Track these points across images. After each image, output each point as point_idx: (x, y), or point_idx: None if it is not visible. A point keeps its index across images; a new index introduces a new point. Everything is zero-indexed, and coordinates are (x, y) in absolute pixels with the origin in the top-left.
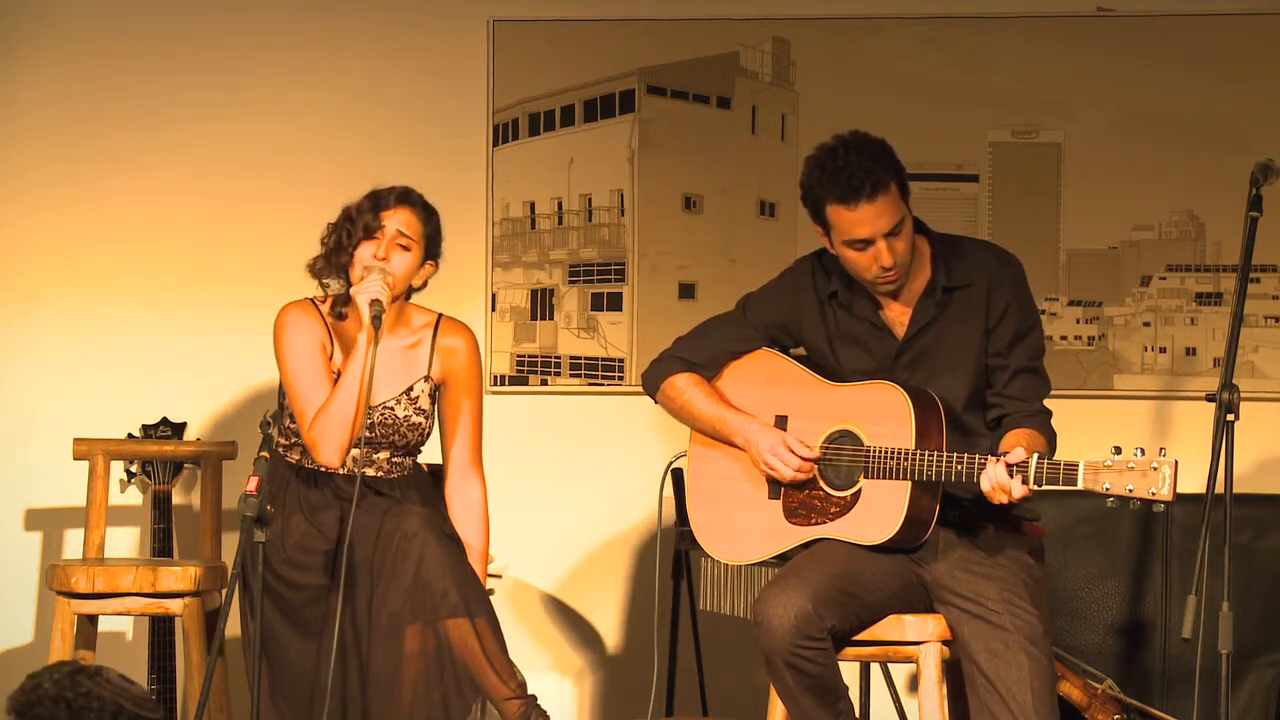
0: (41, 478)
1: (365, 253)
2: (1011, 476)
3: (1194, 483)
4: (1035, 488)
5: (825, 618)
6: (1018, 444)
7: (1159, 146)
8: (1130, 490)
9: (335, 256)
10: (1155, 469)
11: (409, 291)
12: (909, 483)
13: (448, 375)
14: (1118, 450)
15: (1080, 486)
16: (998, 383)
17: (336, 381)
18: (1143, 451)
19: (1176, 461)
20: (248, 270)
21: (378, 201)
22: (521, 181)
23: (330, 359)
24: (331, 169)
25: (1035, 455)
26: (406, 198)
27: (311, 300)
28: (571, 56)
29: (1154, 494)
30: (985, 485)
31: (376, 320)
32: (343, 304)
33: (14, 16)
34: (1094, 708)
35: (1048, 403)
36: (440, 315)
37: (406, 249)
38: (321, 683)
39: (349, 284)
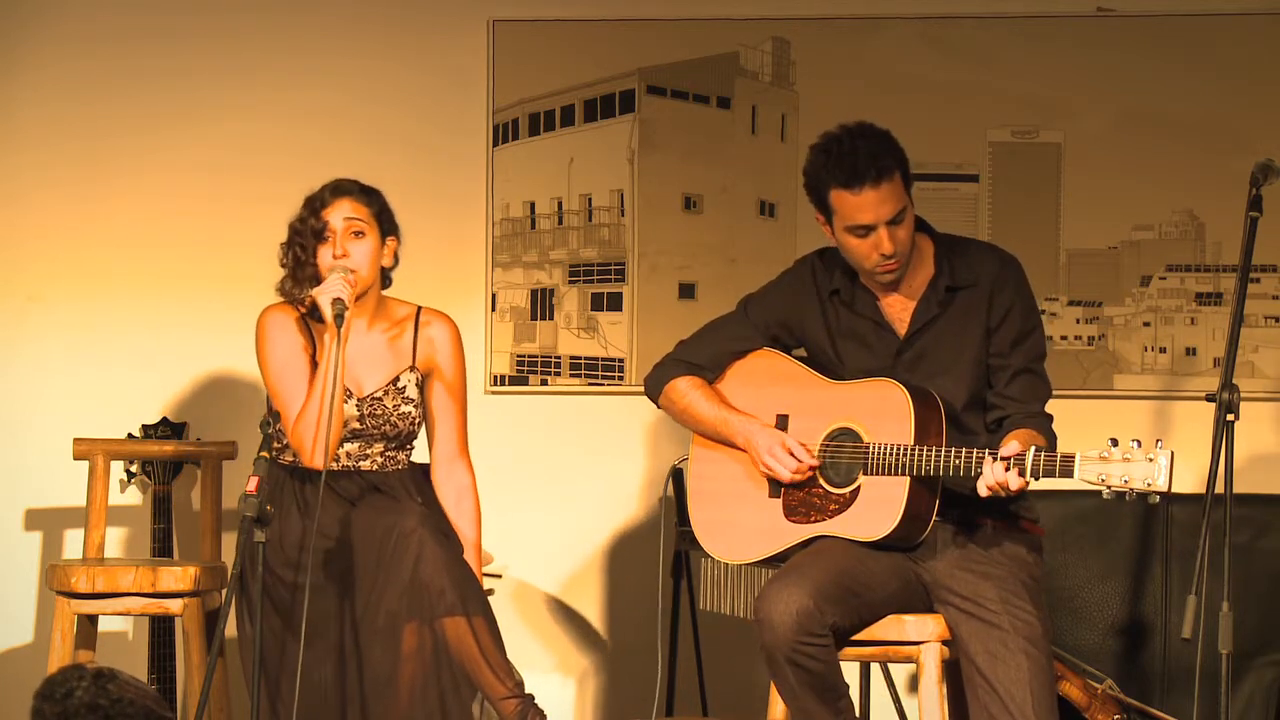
0: (41, 478)
1: (326, 256)
2: (1008, 470)
3: (1194, 483)
4: (1032, 481)
5: (827, 614)
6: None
7: (1159, 146)
8: (1126, 481)
9: (300, 272)
10: (1151, 460)
11: (385, 276)
12: (908, 479)
13: (432, 365)
14: (1114, 442)
15: (1076, 478)
16: (998, 383)
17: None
18: (1139, 443)
19: (1172, 452)
20: (247, 271)
21: (315, 203)
22: (521, 181)
23: (312, 360)
24: (332, 169)
25: (1032, 448)
26: (340, 188)
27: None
28: (571, 56)
29: (1149, 485)
30: (981, 482)
31: (339, 319)
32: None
33: (14, 16)
34: (1094, 708)
35: (1048, 405)
36: (420, 307)
37: (361, 234)
38: (321, 682)
39: None
